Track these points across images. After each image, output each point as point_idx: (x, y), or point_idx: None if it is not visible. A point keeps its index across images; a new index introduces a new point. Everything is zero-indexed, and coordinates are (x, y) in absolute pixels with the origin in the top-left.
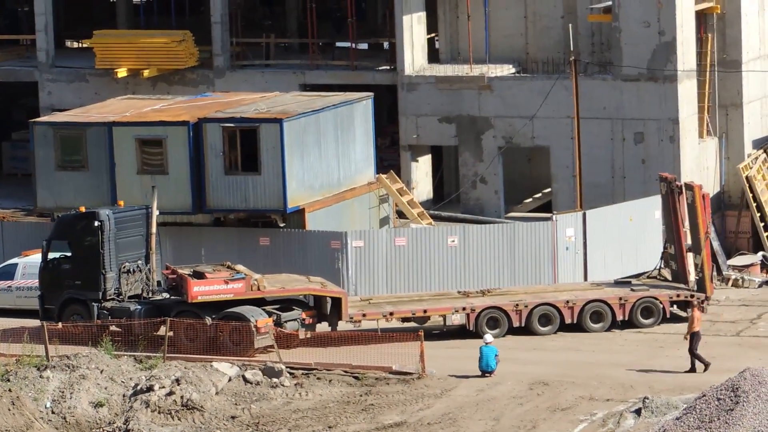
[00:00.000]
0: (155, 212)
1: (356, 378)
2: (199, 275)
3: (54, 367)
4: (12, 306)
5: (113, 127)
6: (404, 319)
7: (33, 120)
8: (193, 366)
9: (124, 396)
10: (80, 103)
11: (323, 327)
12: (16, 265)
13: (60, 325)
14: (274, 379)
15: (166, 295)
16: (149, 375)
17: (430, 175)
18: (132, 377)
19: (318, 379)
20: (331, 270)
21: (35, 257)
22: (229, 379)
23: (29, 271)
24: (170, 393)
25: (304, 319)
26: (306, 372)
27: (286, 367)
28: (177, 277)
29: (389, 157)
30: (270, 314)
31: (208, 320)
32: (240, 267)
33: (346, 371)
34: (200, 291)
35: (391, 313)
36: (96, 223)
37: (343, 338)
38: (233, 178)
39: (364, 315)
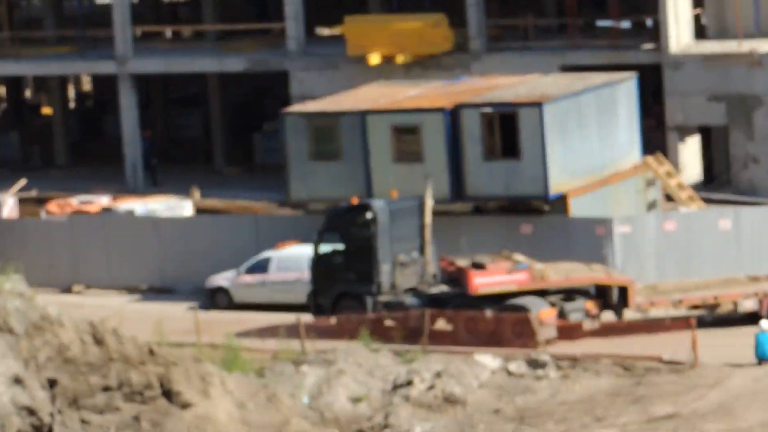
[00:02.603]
0: (430, 202)
1: (625, 369)
2: (479, 266)
3: (311, 362)
4: (266, 300)
5: (367, 115)
6: (694, 307)
7: (285, 110)
8: (455, 359)
9: (383, 391)
10: (332, 92)
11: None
12: (270, 258)
13: (333, 319)
14: (539, 371)
15: (443, 288)
16: (408, 369)
17: (699, 157)
18: (391, 371)
19: (585, 370)
20: (596, 258)
21: (289, 250)
22: (492, 372)
23: (284, 265)
24: (431, 387)
25: (588, 310)
26: (573, 363)
27: (552, 358)
28: (456, 269)
29: (655, 139)
30: (553, 305)
31: (488, 312)
32: (519, 256)
33: (614, 362)
34: (482, 282)
35: (681, 301)
36: (369, 215)
37: (608, 329)
38: (492, 164)
39: (652, 303)
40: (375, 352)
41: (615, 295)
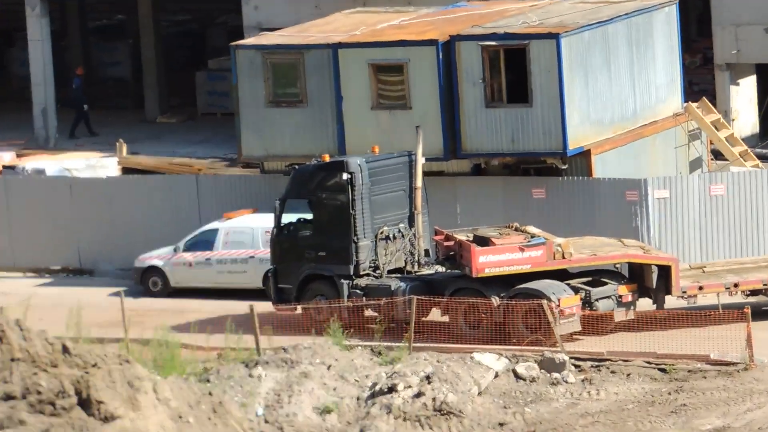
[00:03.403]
0: (420, 160)
1: (662, 371)
2: (483, 241)
3: (267, 362)
4: (212, 284)
5: (339, 49)
6: (751, 292)
7: (235, 43)
8: (448, 358)
9: (358, 399)
10: (296, 21)
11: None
12: (216, 231)
13: (297, 308)
14: (555, 374)
15: (438, 269)
16: (391, 371)
17: (756, 103)
18: (368, 374)
19: (612, 372)
20: (626, 229)
21: (241, 221)
22: (496, 375)
23: (234, 239)
24: (419, 394)
25: (620, 296)
26: (597, 364)
27: (571, 358)
28: (454, 245)
29: (701, 80)
30: (576, 290)
31: (496, 300)
32: (532, 228)
33: (649, 362)
34: (488, 262)
35: (736, 284)
36: (345, 176)
37: (645, 320)
38: (496, 112)
39: (700, 288)
40: (349, 351)
41: (654, 278)
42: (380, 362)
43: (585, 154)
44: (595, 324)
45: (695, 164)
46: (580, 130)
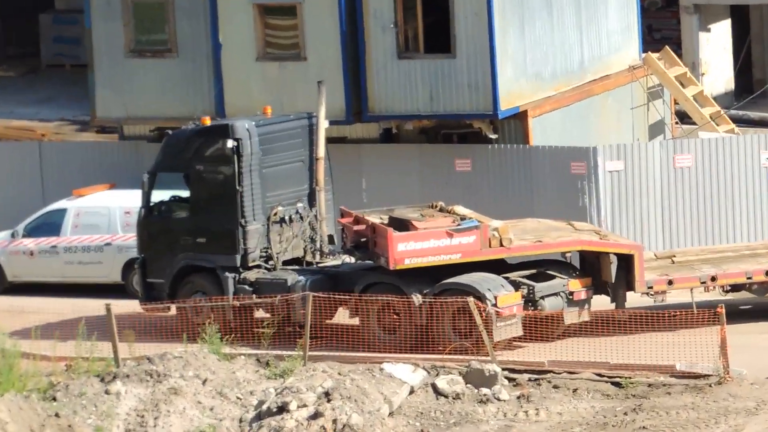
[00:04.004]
0: (323, 124)
1: (617, 385)
2: (401, 225)
3: (128, 376)
4: (59, 278)
5: None
6: (732, 288)
7: None
8: (353, 370)
9: (241, 421)
10: None
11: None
12: (63, 212)
13: (171, 308)
14: (484, 390)
15: (346, 259)
16: (282, 386)
17: (731, 53)
18: (254, 390)
19: (555, 387)
20: (571, 209)
21: (96, 200)
22: (411, 391)
23: (86, 222)
24: (316, 415)
25: (571, 293)
26: (536, 377)
27: (504, 369)
28: (366, 230)
29: (663, 25)
30: (517, 286)
31: (417, 298)
32: (461, 209)
33: (600, 374)
34: (408, 251)
35: (714, 278)
36: (230, 144)
37: (601, 322)
38: (411, 64)
39: (670, 282)
40: (229, 361)
41: (613, 270)
42: (268, 375)
43: (520, 117)
44: (539, 327)
45: (656, 129)
46: (515, 86)
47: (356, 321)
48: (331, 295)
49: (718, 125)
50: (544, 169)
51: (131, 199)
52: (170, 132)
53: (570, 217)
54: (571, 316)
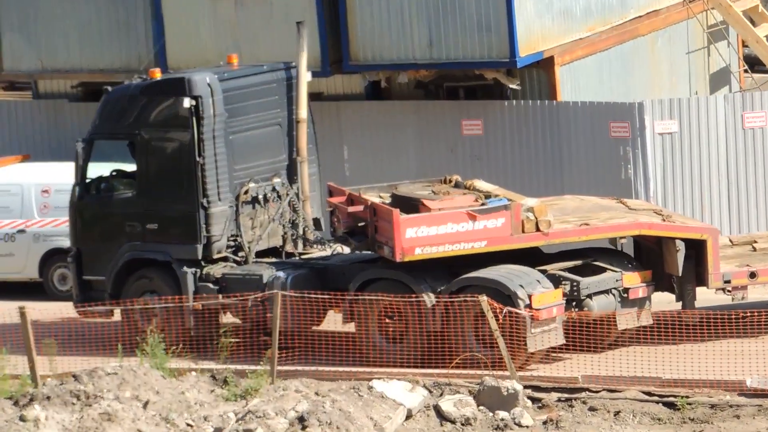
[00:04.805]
0: (305, 76)
1: (670, 406)
2: (409, 205)
3: (49, 398)
4: None
5: None
6: None
7: None
8: (334, 389)
9: None
10: None
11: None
12: None
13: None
14: (501, 413)
15: (338, 248)
16: (244, 410)
17: None
18: (208, 415)
19: (592, 410)
20: (611, 182)
21: (9, 174)
22: (409, 415)
23: None
24: None
25: (626, 290)
26: (567, 396)
27: (526, 387)
28: (364, 211)
29: None
30: (557, 281)
31: (429, 298)
32: (482, 184)
33: (650, 393)
34: (420, 237)
35: None
36: (187, 103)
37: (666, 327)
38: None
39: (752, 275)
40: (176, 378)
41: (680, 261)
42: (227, 396)
43: (545, 65)
44: (586, 334)
45: (720, 79)
46: (537, 25)
47: (351, 327)
48: (319, 295)
49: None
50: (575, 132)
51: (50, 174)
52: (110, 89)
53: (609, 193)
54: (627, 320)
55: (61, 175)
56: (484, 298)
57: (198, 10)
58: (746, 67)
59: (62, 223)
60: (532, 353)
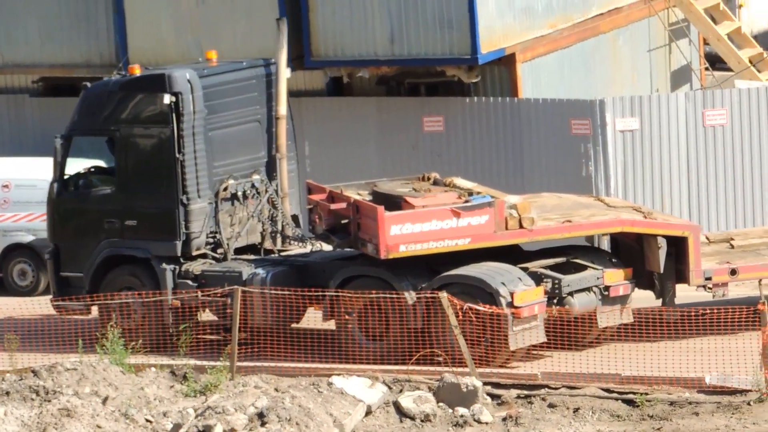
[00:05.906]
0: (285, 73)
1: (630, 403)
2: (391, 203)
3: (8, 393)
4: None
5: None
6: None
7: None
8: (293, 386)
9: None
10: None
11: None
12: None
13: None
14: (461, 410)
15: (317, 245)
16: (203, 406)
17: None
18: (168, 411)
19: (551, 407)
20: (572, 179)
21: None
22: (369, 411)
23: None
24: None
25: (607, 287)
26: (527, 393)
27: (486, 384)
28: (347, 208)
29: None
30: (538, 279)
31: (410, 296)
32: (462, 181)
33: (609, 389)
34: (404, 234)
35: None
36: (167, 99)
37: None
38: None
39: (733, 272)
40: (136, 374)
41: (661, 258)
42: (186, 392)
43: (506, 62)
44: (566, 331)
45: (681, 77)
46: (499, 22)
47: (331, 325)
48: (299, 292)
49: (759, 71)
50: (536, 129)
51: (10, 170)
52: (89, 85)
53: (570, 190)
54: (607, 317)
55: (21, 170)
56: (444, 295)
57: (160, 5)
58: (707, 64)
59: (22, 218)
60: (513, 351)
